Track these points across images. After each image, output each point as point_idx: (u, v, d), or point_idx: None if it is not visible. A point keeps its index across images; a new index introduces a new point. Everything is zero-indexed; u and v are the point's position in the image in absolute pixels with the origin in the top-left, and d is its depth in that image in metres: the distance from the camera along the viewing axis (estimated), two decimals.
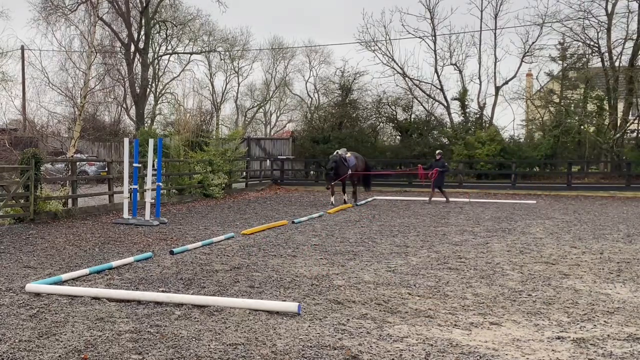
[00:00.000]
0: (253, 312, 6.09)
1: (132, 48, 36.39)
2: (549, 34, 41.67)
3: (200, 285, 7.40)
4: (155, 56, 40.22)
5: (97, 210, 15.85)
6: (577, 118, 30.90)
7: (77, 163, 17.85)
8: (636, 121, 30.28)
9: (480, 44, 33.41)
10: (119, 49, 37.15)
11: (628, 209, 18.38)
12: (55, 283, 7.30)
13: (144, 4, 35.69)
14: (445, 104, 33.33)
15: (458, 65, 33.45)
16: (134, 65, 36.91)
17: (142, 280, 7.66)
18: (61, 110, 29.66)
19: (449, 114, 33.24)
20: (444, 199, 20.44)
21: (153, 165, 14.55)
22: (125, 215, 13.98)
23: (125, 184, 14.16)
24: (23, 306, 6.37)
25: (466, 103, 32.90)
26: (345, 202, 18.95)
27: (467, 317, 6.09)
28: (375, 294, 7.01)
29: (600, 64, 31.18)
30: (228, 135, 28.75)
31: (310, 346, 5.13)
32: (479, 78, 33.07)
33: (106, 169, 18.75)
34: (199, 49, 44.19)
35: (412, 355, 4.94)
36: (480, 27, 33.27)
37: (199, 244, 10.42)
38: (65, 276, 7.60)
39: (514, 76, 33.05)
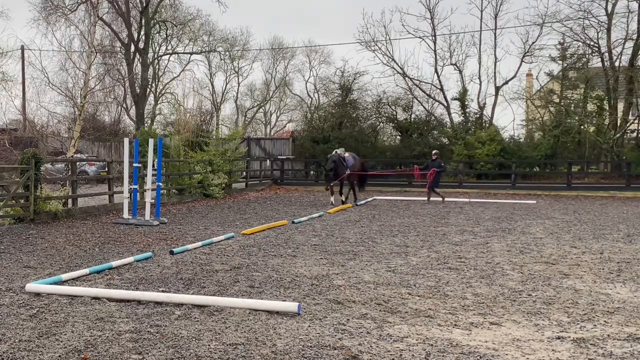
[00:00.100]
0: (253, 312, 6.09)
1: (132, 48, 36.40)
2: (549, 34, 41.75)
3: (200, 285, 7.40)
4: (155, 56, 40.24)
5: (97, 210, 15.85)
6: (577, 118, 30.91)
7: (77, 163, 17.85)
8: (636, 121, 30.29)
9: (480, 44, 33.50)
10: (119, 49, 37.16)
11: (628, 209, 18.38)
12: (55, 283, 7.30)
13: (144, 4, 35.70)
14: (445, 104, 33.35)
15: (458, 65, 33.49)
16: (134, 65, 36.91)
17: (142, 280, 7.66)
18: (61, 110, 29.69)
19: (449, 114, 33.26)
20: (440, 198, 20.44)
21: (153, 165, 14.55)
22: (125, 215, 13.98)
23: (125, 184, 14.16)
24: (23, 306, 6.37)
25: (466, 103, 32.92)
26: (343, 203, 18.94)
27: (467, 317, 6.09)
28: (375, 294, 7.01)
29: (600, 64, 31.19)
30: (228, 135, 28.75)
31: (310, 346, 5.13)
32: (479, 78, 33.13)
33: (106, 169, 18.75)
34: (199, 49, 44.22)
35: (412, 355, 4.94)
36: (480, 27, 33.33)
37: (199, 244, 10.42)
38: (65, 276, 7.60)
39: (514, 76, 33.15)
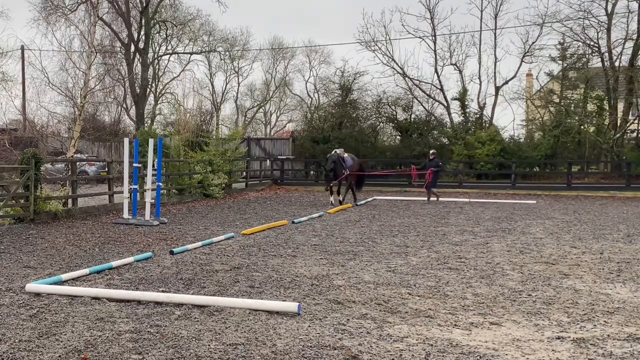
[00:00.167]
0: (253, 312, 6.09)
1: (132, 48, 36.40)
2: (549, 34, 41.74)
3: (200, 285, 7.40)
4: (155, 56, 40.24)
5: (97, 210, 15.85)
6: (577, 118, 30.91)
7: (77, 163, 17.85)
8: (636, 121, 30.29)
9: (480, 44, 33.50)
10: (119, 49, 37.16)
11: (628, 209, 18.38)
12: (55, 283, 7.30)
13: (144, 4, 35.70)
14: (445, 104, 33.35)
15: (458, 65, 33.49)
16: (134, 65, 36.91)
17: (142, 280, 7.66)
18: (61, 110, 29.70)
19: (449, 114, 33.26)
20: (434, 198, 20.44)
21: (153, 165, 14.55)
22: (125, 215, 13.98)
23: (125, 184, 14.16)
24: (23, 306, 6.37)
25: (466, 103, 32.92)
26: (340, 203, 18.93)
27: (467, 317, 6.09)
28: (375, 294, 7.01)
29: (600, 64, 31.19)
30: (228, 135, 28.75)
31: (310, 346, 5.13)
32: (479, 78, 33.13)
33: (106, 169, 18.75)
34: (199, 49, 44.22)
35: (412, 355, 4.94)
36: (480, 27, 33.34)
37: (199, 244, 10.42)
38: (65, 276, 7.60)
39: (514, 76, 33.15)
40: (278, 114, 57.62)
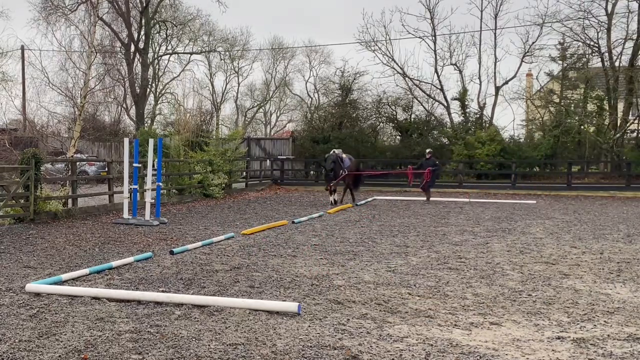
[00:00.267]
0: (253, 312, 6.09)
1: (132, 48, 36.40)
2: (549, 34, 41.70)
3: (200, 285, 7.39)
4: (155, 56, 40.24)
5: (97, 210, 15.85)
6: (577, 118, 30.91)
7: (77, 163, 17.85)
8: (636, 121, 30.29)
9: (480, 44, 33.50)
10: (119, 49, 37.16)
11: (628, 209, 18.38)
12: (55, 283, 7.30)
13: (144, 4, 35.70)
14: (445, 104, 33.35)
15: (458, 65, 33.49)
16: (134, 65, 36.91)
17: (142, 280, 7.66)
18: (61, 110, 29.69)
19: (449, 114, 33.27)
20: (425, 198, 20.43)
21: (153, 165, 14.55)
22: (125, 215, 13.98)
23: (125, 184, 14.16)
24: (23, 306, 6.37)
25: (466, 103, 32.93)
26: (336, 203, 18.92)
27: (467, 317, 6.09)
28: (375, 294, 7.01)
29: (600, 64, 31.19)
30: (228, 135, 28.75)
31: (310, 346, 5.13)
32: (479, 78, 33.13)
33: (106, 169, 18.75)
34: (199, 49, 44.21)
35: (412, 355, 4.94)
36: (480, 27, 33.34)
37: (199, 244, 10.42)
38: (65, 276, 7.60)
39: (514, 76, 33.15)
40: (278, 114, 57.66)
